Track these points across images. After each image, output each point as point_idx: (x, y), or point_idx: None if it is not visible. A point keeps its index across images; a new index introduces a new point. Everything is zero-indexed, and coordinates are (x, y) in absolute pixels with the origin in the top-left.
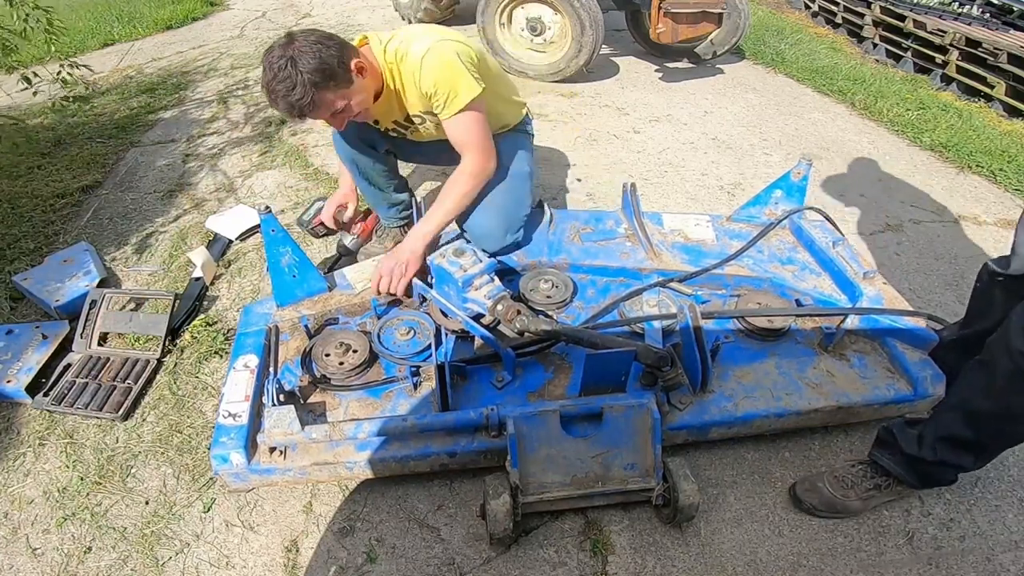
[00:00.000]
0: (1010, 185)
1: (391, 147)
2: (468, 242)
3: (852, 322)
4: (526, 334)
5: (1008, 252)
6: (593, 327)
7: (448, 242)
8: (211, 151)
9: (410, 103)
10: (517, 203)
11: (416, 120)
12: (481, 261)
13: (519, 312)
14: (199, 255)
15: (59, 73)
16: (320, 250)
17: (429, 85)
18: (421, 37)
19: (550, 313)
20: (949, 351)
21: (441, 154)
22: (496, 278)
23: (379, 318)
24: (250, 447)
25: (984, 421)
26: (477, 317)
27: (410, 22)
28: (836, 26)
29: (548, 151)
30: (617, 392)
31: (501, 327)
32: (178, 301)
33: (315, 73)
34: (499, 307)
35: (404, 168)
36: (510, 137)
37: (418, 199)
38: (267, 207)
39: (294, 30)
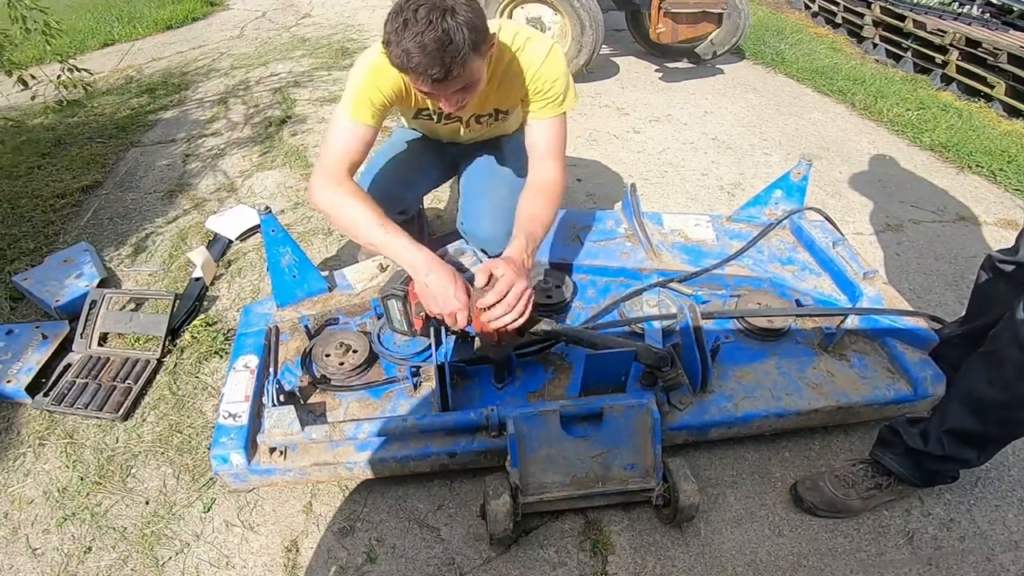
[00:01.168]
0: (1010, 185)
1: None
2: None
3: (852, 322)
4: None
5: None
6: (593, 327)
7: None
8: (211, 151)
9: (495, 96)
10: None
11: (484, 119)
12: (481, 261)
13: None
14: (199, 255)
15: (59, 76)
16: (320, 250)
17: (550, 79)
18: (539, 35)
19: (550, 313)
20: (953, 347)
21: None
22: None
23: (379, 318)
24: (250, 447)
25: (991, 411)
26: None
27: None
28: (836, 26)
29: None
30: (617, 392)
31: None
32: (178, 301)
33: (473, 31)
34: None
35: None
36: (516, 139)
37: None
38: (267, 207)
39: None
